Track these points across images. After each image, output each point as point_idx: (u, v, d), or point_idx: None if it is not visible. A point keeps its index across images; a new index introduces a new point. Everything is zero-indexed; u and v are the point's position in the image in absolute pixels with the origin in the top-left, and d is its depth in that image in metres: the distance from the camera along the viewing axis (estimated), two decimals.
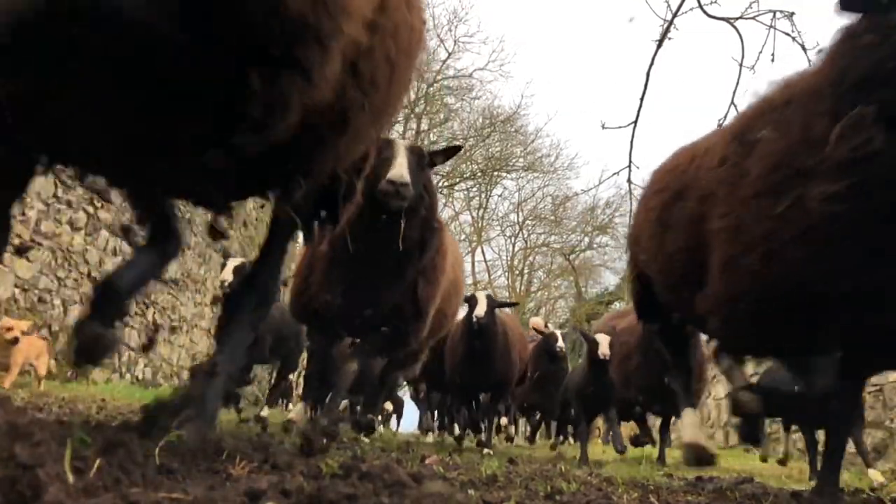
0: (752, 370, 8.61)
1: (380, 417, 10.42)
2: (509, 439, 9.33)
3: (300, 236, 2.92)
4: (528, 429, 11.63)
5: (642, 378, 6.00)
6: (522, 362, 7.43)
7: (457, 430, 7.61)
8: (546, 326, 10.23)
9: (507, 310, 7.88)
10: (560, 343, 7.76)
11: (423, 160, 4.05)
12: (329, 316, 4.26)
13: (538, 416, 9.84)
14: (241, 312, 2.48)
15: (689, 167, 2.80)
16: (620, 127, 4.78)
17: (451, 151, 4.50)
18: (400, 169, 3.71)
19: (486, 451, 6.32)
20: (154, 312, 10.29)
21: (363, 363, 4.52)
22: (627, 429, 9.12)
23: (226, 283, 5.00)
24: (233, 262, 5.25)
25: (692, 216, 2.60)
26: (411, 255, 4.11)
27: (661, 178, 3.14)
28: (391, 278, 4.16)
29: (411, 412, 12.46)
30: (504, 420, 8.65)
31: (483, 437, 6.95)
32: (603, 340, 5.61)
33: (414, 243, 4.08)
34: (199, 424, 1.90)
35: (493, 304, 6.09)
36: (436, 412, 9.47)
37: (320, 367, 4.90)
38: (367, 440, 4.87)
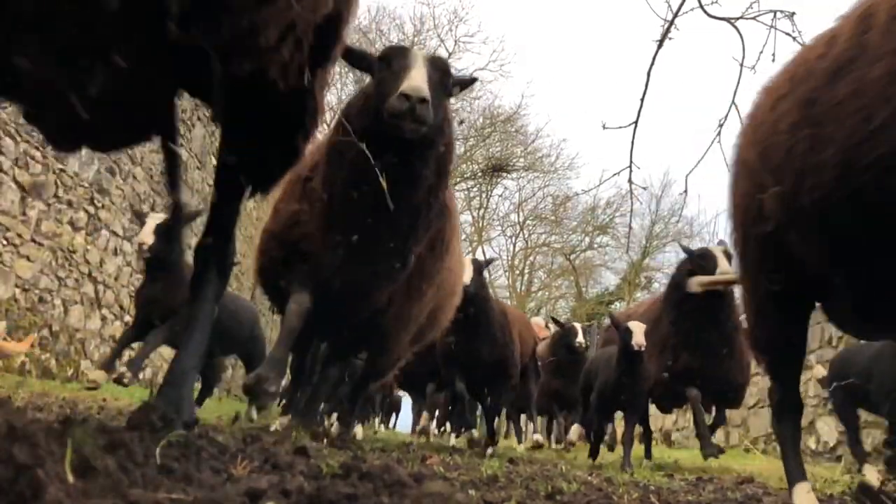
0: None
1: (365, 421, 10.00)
2: (538, 446, 7.54)
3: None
4: (555, 430, 10.06)
5: (676, 340, 5.19)
6: (526, 345, 6.81)
7: (453, 440, 6.74)
8: (546, 327, 10.07)
9: (511, 302, 7.47)
10: (580, 338, 7.21)
11: (448, 79, 3.09)
12: (320, 268, 3.23)
13: (563, 415, 8.67)
14: (201, 294, 2.11)
15: (830, 52, 2.12)
16: (621, 127, 4.76)
17: (467, 82, 3.52)
18: (417, 80, 2.73)
19: (487, 450, 6.24)
20: None
21: (341, 370, 3.95)
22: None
23: (145, 247, 4.12)
24: (153, 221, 4.23)
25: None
26: (418, 213, 3.14)
27: (783, 83, 2.32)
28: (393, 249, 3.20)
29: (410, 411, 12.40)
30: (538, 437, 7.18)
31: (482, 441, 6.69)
32: (637, 329, 4.71)
33: (424, 193, 3.10)
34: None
35: (479, 267, 5.44)
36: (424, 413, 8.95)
37: (297, 358, 4.25)
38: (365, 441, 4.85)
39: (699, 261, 5.10)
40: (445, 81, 3.05)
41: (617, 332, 4.96)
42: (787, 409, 2.52)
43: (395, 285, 3.43)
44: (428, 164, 3.02)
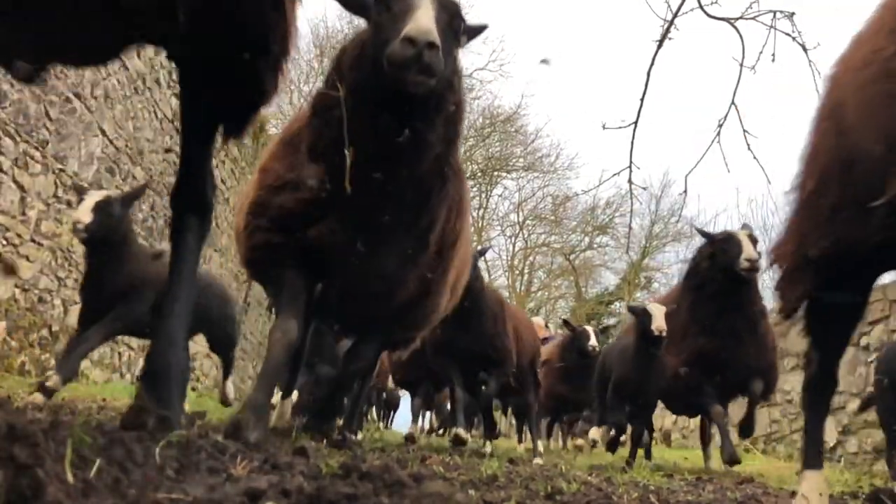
0: None
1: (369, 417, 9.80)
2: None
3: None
4: (555, 432, 9.88)
5: (696, 328, 4.71)
6: (527, 345, 6.61)
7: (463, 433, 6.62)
8: (546, 327, 10.04)
9: (510, 302, 7.19)
10: (592, 341, 6.96)
11: (458, 23, 2.58)
12: (320, 254, 2.71)
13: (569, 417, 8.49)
14: (182, 243, 1.90)
15: None
16: (621, 127, 4.77)
17: (478, 29, 2.89)
18: (425, 22, 2.23)
19: (486, 447, 6.19)
20: None
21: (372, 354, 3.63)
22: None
23: (80, 226, 3.57)
24: (92, 198, 3.67)
25: None
26: (425, 187, 2.69)
27: (882, 42, 1.85)
28: (404, 233, 2.75)
29: (408, 411, 12.40)
30: (538, 461, 6.43)
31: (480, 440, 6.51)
32: (657, 312, 4.26)
33: (431, 163, 2.64)
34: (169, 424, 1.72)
35: (474, 259, 5.16)
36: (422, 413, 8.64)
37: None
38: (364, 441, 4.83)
39: (722, 245, 4.66)
40: (455, 25, 2.55)
41: (635, 317, 4.59)
42: (820, 380, 2.28)
43: (412, 281, 2.99)
44: (435, 128, 2.54)
